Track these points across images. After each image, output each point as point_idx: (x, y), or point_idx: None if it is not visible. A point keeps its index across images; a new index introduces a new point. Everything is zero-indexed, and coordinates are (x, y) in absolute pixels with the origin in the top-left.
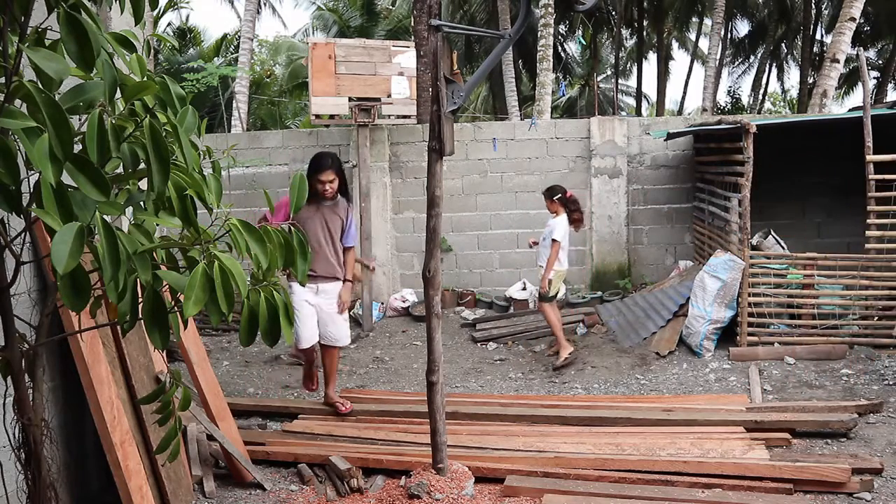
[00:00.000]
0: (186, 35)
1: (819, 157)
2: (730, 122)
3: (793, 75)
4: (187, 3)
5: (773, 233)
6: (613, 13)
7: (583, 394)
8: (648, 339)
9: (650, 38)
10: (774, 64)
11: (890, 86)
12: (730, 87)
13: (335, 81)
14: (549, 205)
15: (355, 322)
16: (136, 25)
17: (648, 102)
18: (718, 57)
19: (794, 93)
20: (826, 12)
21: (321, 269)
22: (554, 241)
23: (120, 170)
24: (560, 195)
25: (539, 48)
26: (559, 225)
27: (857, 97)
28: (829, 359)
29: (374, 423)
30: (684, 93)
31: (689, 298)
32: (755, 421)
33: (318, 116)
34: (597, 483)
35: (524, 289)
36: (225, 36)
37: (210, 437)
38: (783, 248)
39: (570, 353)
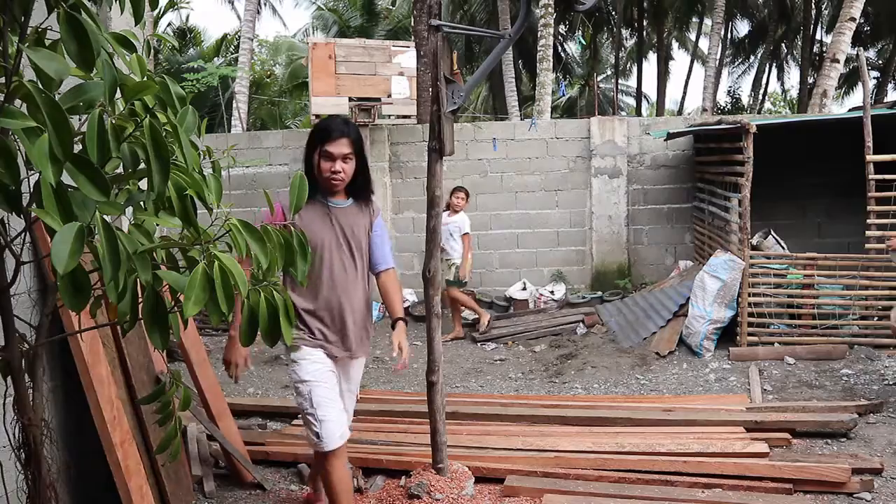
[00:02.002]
0: (186, 35)
1: (819, 157)
2: (730, 122)
3: (793, 75)
4: (187, 3)
5: (773, 233)
6: (613, 13)
7: (583, 394)
8: (648, 339)
9: (650, 38)
10: (774, 64)
11: (890, 86)
12: (730, 87)
13: (335, 81)
14: (462, 203)
15: None
16: (136, 25)
17: (648, 102)
18: (718, 57)
19: (794, 93)
20: (826, 12)
21: (339, 322)
22: (467, 234)
23: (120, 170)
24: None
25: (539, 48)
26: (468, 220)
27: (857, 97)
28: (829, 359)
29: (374, 423)
30: (684, 93)
31: (689, 298)
32: (755, 421)
33: (318, 116)
34: (597, 483)
35: (524, 289)
36: (225, 36)
37: (210, 437)
38: (783, 248)
39: (489, 320)
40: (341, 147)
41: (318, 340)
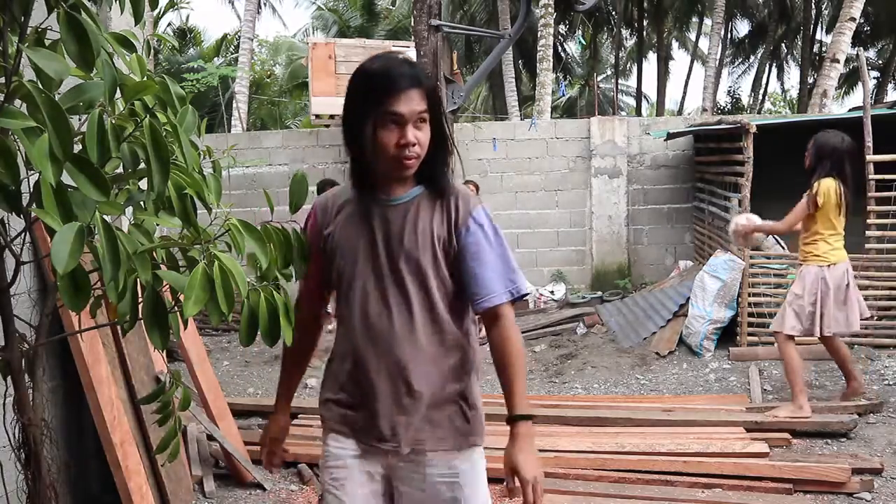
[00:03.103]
0: (186, 35)
1: None
2: (730, 122)
3: (793, 75)
4: (187, 3)
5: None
6: (613, 13)
7: (583, 394)
8: (648, 339)
9: (650, 38)
10: (774, 64)
11: (890, 86)
12: (730, 87)
13: (335, 81)
14: None
15: None
16: (136, 25)
17: (648, 102)
18: (718, 57)
19: (794, 93)
20: (826, 12)
21: (370, 394)
22: None
23: (120, 170)
24: None
25: (539, 48)
26: None
27: (857, 97)
28: (830, 359)
29: None
30: (684, 93)
31: (689, 298)
32: (755, 421)
33: (318, 116)
34: (597, 483)
35: None
36: (225, 36)
37: (210, 437)
38: (783, 248)
39: None
40: (413, 103)
41: (340, 424)
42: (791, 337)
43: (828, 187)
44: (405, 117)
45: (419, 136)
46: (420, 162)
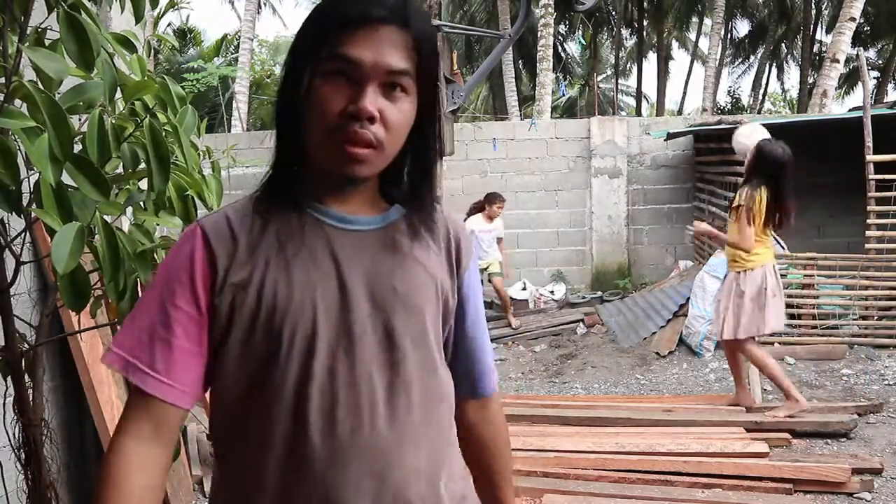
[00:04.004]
0: (186, 35)
1: (819, 157)
2: (730, 123)
3: (793, 75)
4: (187, 3)
5: (772, 232)
6: (613, 13)
7: (583, 394)
8: (648, 339)
9: (650, 38)
10: (774, 64)
11: (890, 86)
12: (730, 87)
13: None
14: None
15: None
16: (136, 25)
17: (648, 102)
18: (718, 57)
19: (794, 93)
20: (826, 12)
21: None
22: (502, 238)
23: (120, 170)
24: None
25: (539, 48)
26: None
27: (857, 97)
28: (829, 359)
29: None
30: (684, 93)
31: (689, 298)
32: (755, 421)
33: None
34: (597, 483)
35: (524, 289)
36: (225, 36)
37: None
38: (783, 247)
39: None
40: (384, 49)
41: None
42: (751, 338)
43: (761, 197)
44: (364, 68)
45: (386, 111)
46: (383, 159)
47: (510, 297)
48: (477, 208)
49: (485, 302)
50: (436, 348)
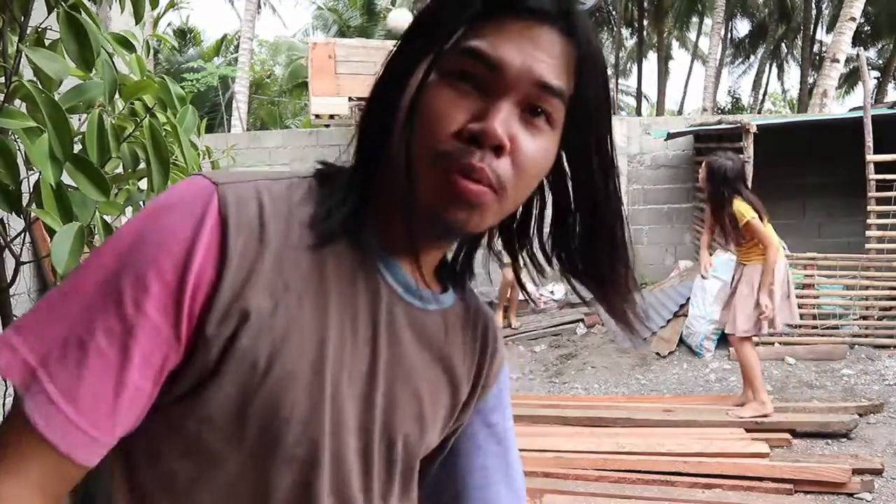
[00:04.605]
0: (186, 35)
1: (819, 157)
2: (730, 122)
3: (793, 75)
4: (187, 3)
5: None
6: (613, 13)
7: (583, 394)
8: (648, 339)
9: (650, 38)
10: (774, 64)
11: (890, 85)
12: (730, 86)
13: (335, 81)
14: None
15: None
16: (136, 25)
17: (648, 102)
18: (718, 57)
19: (794, 93)
20: (826, 12)
21: None
22: None
23: (120, 170)
24: None
25: None
26: None
27: (857, 97)
28: (830, 359)
29: None
30: (684, 93)
31: (689, 298)
32: (755, 421)
33: (318, 116)
34: (597, 483)
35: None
36: (225, 36)
37: None
38: (784, 248)
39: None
40: (540, 54)
41: None
42: (748, 338)
43: (745, 207)
44: (505, 74)
45: (521, 142)
46: (500, 210)
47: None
48: None
49: (487, 301)
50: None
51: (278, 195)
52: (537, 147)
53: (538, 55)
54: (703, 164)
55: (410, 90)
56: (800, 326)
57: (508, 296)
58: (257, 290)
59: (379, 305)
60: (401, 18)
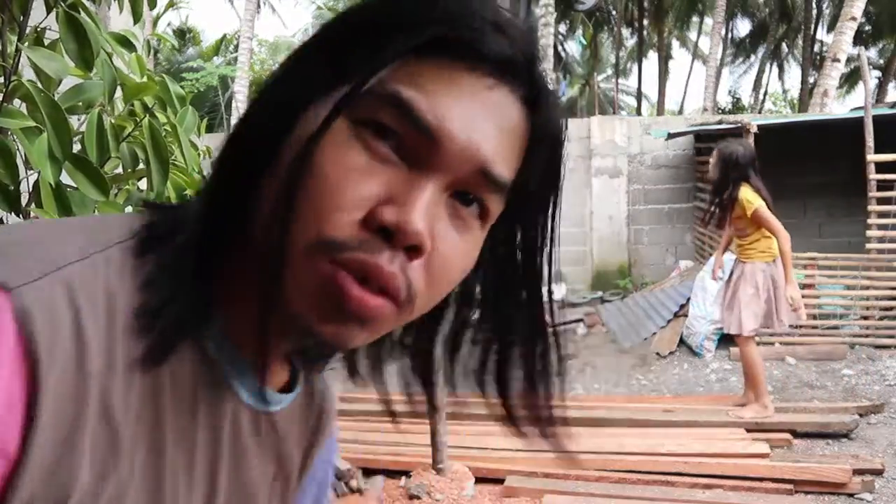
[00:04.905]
0: (186, 35)
1: (820, 157)
2: (730, 122)
3: (793, 75)
4: (187, 2)
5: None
6: (613, 13)
7: (583, 394)
8: (648, 339)
9: (650, 38)
10: (775, 63)
11: (891, 85)
12: (730, 86)
13: None
14: None
15: None
16: (135, 25)
17: (649, 102)
18: (719, 56)
19: (794, 92)
20: (827, 12)
21: None
22: None
23: (119, 170)
24: None
25: (539, 48)
26: None
27: (858, 97)
28: (830, 359)
29: (374, 423)
30: (685, 93)
31: (689, 298)
32: (756, 421)
33: None
34: (597, 483)
35: None
36: (224, 36)
37: None
38: None
39: None
40: (485, 131)
41: None
42: (752, 337)
43: (752, 194)
44: (444, 148)
45: (443, 242)
46: (394, 325)
47: None
48: None
49: None
50: None
51: (94, 287)
52: (461, 249)
53: (488, 130)
54: (714, 151)
55: (300, 135)
56: (800, 326)
57: None
58: (80, 459)
59: (222, 427)
60: None
